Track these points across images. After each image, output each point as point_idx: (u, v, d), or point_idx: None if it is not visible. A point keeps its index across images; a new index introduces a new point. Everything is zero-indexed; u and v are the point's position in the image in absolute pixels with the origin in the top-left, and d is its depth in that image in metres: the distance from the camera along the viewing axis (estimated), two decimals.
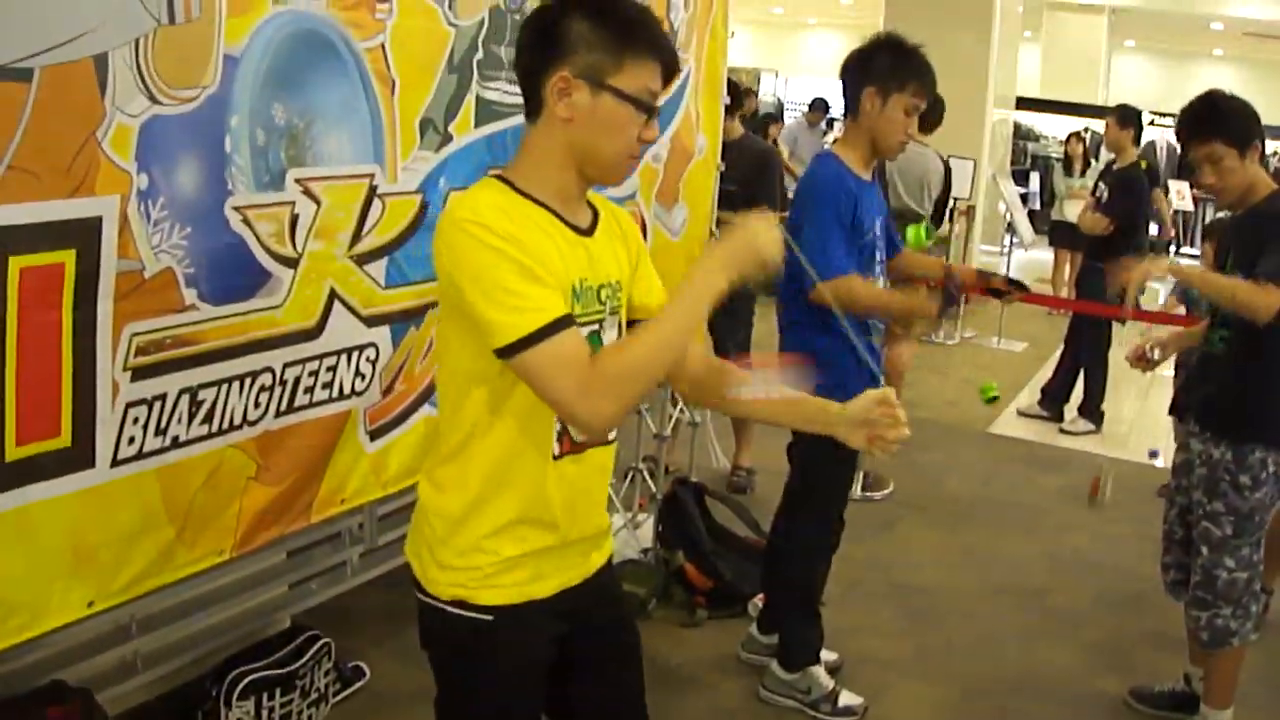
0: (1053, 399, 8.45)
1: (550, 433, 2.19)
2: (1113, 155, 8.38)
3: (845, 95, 3.91)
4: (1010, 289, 4.23)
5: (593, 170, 2.17)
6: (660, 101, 2.16)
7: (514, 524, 2.20)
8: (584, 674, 2.42)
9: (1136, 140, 8.02)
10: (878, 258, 3.96)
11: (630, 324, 2.35)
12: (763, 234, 2.11)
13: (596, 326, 2.22)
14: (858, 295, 3.75)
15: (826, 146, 4.09)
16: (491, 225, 2.00)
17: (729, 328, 5.73)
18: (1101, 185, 8.17)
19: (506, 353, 2.00)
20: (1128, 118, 7.92)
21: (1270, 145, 16.01)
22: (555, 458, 2.21)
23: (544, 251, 2.06)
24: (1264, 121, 3.67)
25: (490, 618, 2.21)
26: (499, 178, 2.16)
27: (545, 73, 2.08)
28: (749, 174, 5.85)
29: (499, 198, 2.10)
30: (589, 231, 2.21)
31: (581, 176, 2.17)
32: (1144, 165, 8.16)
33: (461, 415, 2.19)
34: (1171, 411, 4.14)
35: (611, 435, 2.34)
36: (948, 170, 7.94)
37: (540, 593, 2.26)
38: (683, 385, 2.53)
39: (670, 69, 2.15)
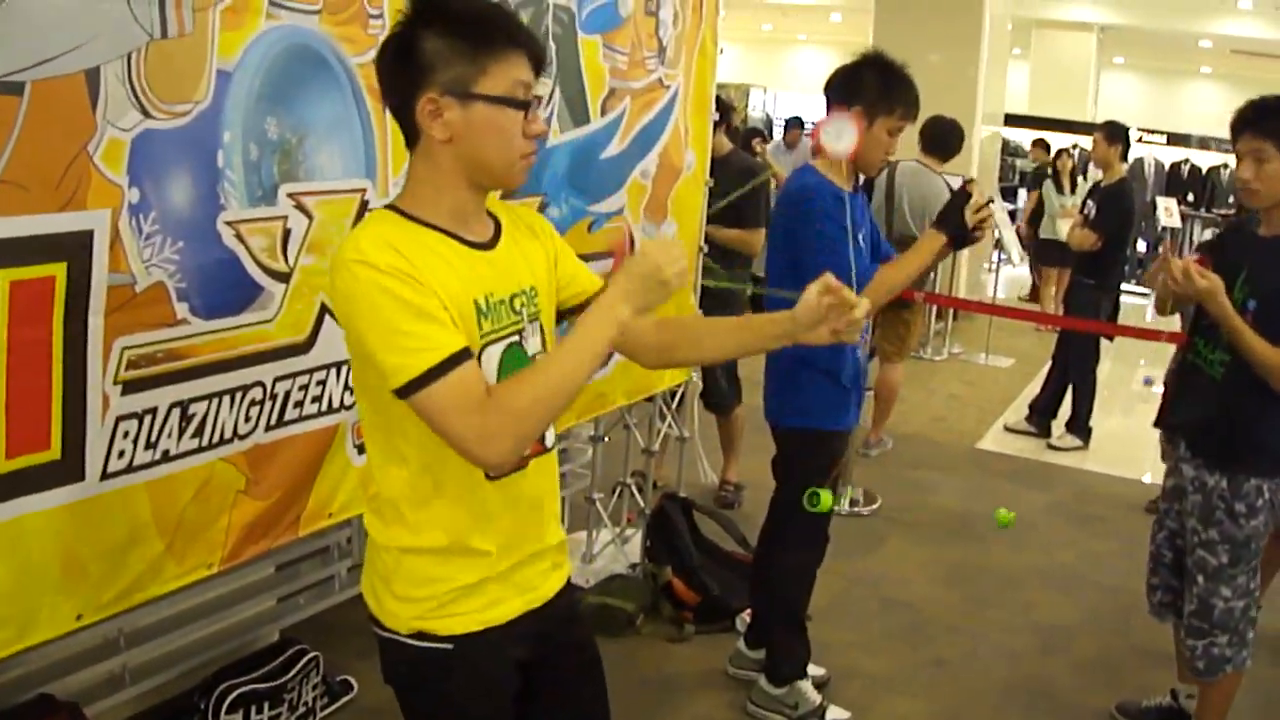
0: (1041, 415, 8.47)
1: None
2: (1100, 171, 8.41)
3: (829, 111, 3.90)
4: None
5: (488, 180, 2.13)
6: (536, 91, 2.11)
7: (462, 551, 2.18)
8: (548, 697, 2.41)
9: (1124, 156, 8.04)
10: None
11: (570, 311, 2.38)
12: (666, 263, 2.05)
13: (516, 338, 2.19)
14: (896, 280, 3.86)
15: (808, 162, 4.08)
16: (377, 263, 1.96)
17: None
18: (1089, 202, 8.20)
19: (403, 393, 1.97)
20: (1116, 134, 7.93)
21: None
22: (492, 478, 2.18)
23: (437, 276, 2.02)
24: None
25: (451, 647, 2.19)
26: (390, 207, 2.13)
27: (412, 99, 2.04)
28: (735, 190, 5.86)
29: (386, 229, 2.06)
30: (490, 244, 2.18)
31: (477, 190, 2.14)
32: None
33: (389, 451, 2.16)
34: (1157, 424, 4.09)
35: (550, 442, 2.32)
36: None
37: (500, 618, 2.24)
38: (649, 358, 2.52)
39: (536, 54, 2.10)
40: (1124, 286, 8.49)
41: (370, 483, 2.24)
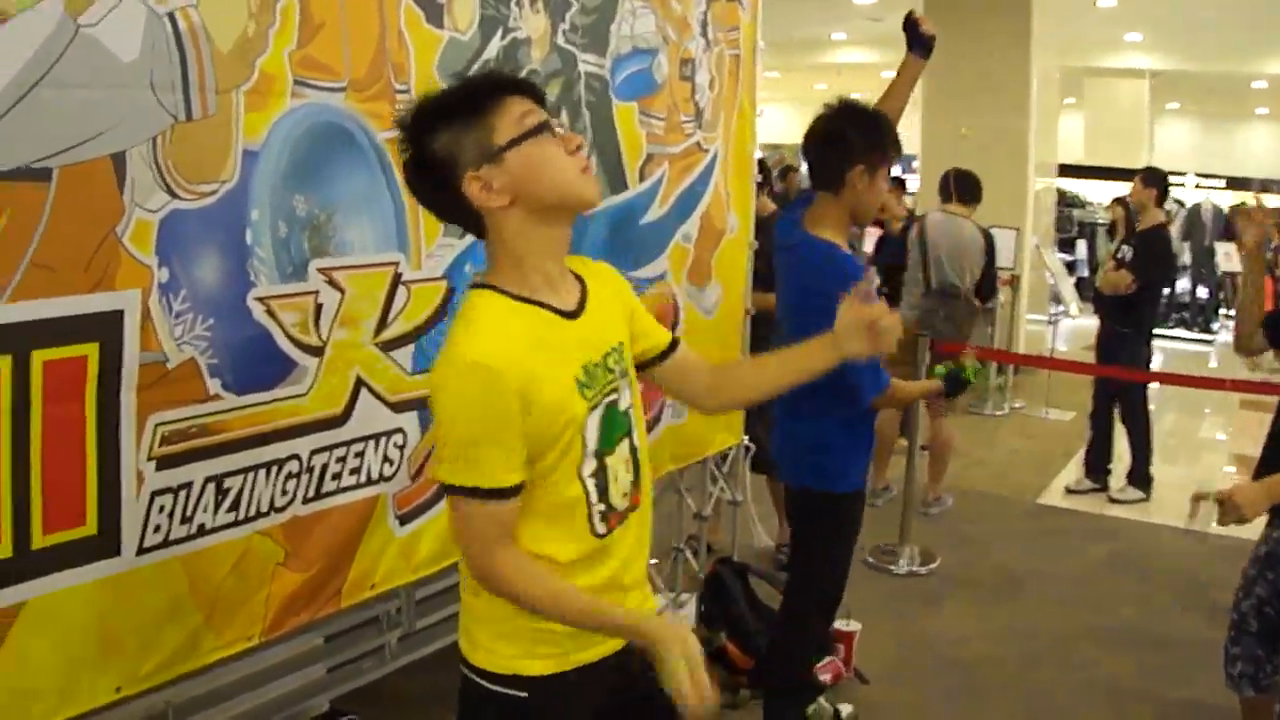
0: (1094, 470, 8.31)
1: (585, 525, 2.22)
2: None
3: (819, 171, 3.79)
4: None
5: (563, 211, 2.18)
6: (544, 115, 2.15)
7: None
8: None
9: (1160, 201, 7.91)
10: None
11: (640, 367, 2.42)
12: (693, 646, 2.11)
13: (613, 396, 2.24)
14: (903, 395, 4.51)
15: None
16: (491, 368, 2.02)
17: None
18: (1124, 246, 8.08)
19: (444, 488, 2.12)
20: (1152, 178, 7.81)
21: None
22: (600, 536, 2.24)
23: (537, 374, 2.08)
24: None
25: (525, 694, 2.22)
26: (490, 286, 2.17)
27: (459, 191, 2.11)
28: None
29: (499, 312, 2.12)
30: (580, 309, 2.23)
31: (561, 229, 2.19)
32: None
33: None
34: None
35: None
36: (990, 242, 7.89)
37: (587, 659, 2.27)
38: (705, 403, 2.61)
39: (520, 87, 2.17)
40: (1173, 333, 8.36)
41: None
